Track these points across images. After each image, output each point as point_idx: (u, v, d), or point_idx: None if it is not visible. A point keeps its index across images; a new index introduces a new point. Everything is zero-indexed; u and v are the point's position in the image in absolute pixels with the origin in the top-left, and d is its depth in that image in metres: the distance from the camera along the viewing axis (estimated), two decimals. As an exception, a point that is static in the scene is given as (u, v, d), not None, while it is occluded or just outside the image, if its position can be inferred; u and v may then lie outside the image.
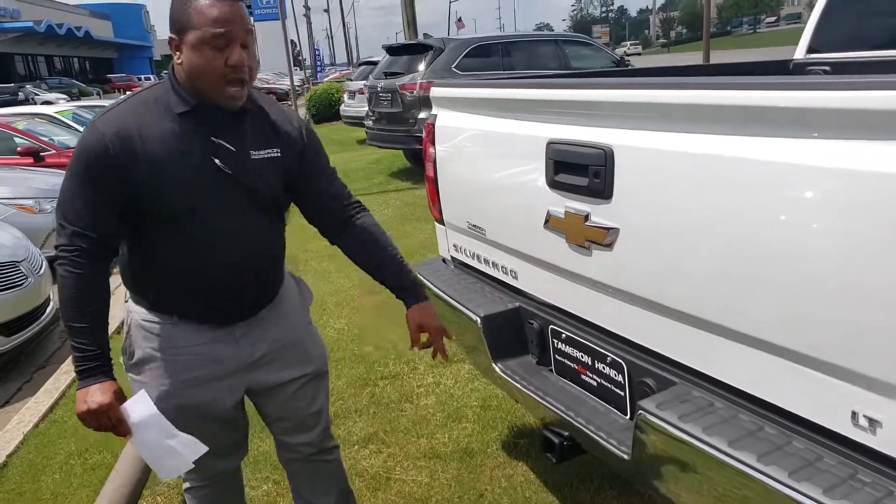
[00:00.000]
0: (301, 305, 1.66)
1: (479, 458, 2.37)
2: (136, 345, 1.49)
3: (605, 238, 1.38)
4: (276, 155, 1.45)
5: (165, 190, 1.34)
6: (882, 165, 0.92)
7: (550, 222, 1.53)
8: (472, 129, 1.87)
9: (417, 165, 8.43)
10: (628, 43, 72.95)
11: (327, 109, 15.63)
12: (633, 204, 1.33)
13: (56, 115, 8.34)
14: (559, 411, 1.57)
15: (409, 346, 1.65)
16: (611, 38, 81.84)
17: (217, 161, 1.36)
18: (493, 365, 1.80)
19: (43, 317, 3.81)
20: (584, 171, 1.40)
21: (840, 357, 1.02)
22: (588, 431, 1.47)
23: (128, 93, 1.68)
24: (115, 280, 1.62)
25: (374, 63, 10.48)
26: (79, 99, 25.12)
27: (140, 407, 1.38)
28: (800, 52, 2.75)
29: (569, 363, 1.66)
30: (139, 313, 1.48)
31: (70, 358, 2.01)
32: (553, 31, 69.47)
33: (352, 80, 12.51)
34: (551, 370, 1.74)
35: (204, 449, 1.42)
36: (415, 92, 7.38)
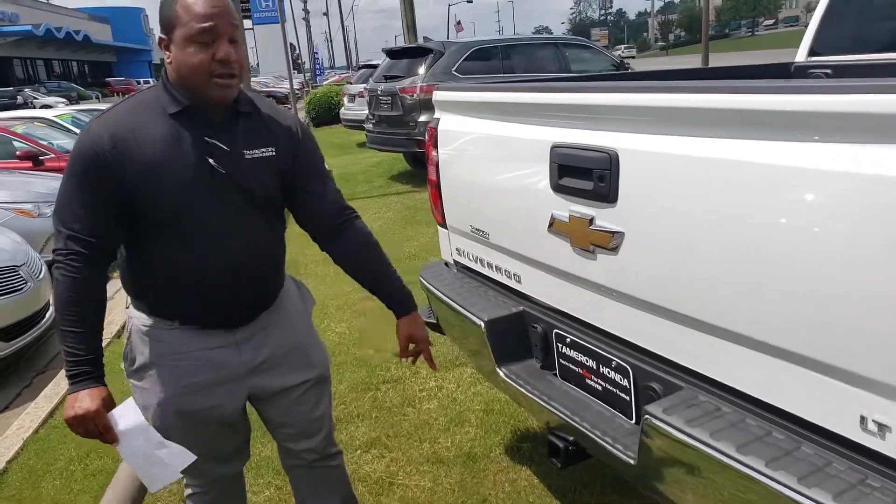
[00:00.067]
0: (302, 309, 1.65)
1: (483, 462, 2.36)
2: (136, 350, 1.48)
3: (610, 242, 1.37)
4: (270, 154, 1.45)
5: (161, 191, 1.34)
6: (884, 168, 0.92)
7: (554, 226, 1.53)
8: (475, 133, 1.87)
9: (418, 168, 8.44)
10: (622, 46, 73.09)
11: (327, 113, 15.67)
12: (639, 207, 1.32)
13: (55, 119, 8.36)
14: (564, 416, 1.56)
15: (397, 356, 1.67)
16: (609, 41, 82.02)
17: (211, 161, 1.36)
18: (497, 369, 1.79)
19: (42, 321, 3.80)
20: (588, 175, 1.39)
21: (847, 361, 1.01)
22: (593, 436, 1.47)
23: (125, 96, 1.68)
24: (115, 284, 1.62)
25: (374, 66, 10.50)
26: (78, 103, 25.11)
27: (127, 415, 1.36)
28: (801, 55, 2.75)
29: (573, 367, 1.65)
30: (140, 319, 1.47)
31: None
32: (552, 33, 69.70)
33: (351, 84, 12.53)
34: (555, 374, 1.73)
35: (192, 458, 1.40)
36: (415, 95, 7.39)
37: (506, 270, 1.87)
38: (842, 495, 0.97)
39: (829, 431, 1.07)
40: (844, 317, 1.00)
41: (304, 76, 33.86)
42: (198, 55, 1.30)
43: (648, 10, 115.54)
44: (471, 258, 2.05)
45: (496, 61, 7.77)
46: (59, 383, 3.35)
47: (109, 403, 1.35)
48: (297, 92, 19.70)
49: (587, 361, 1.60)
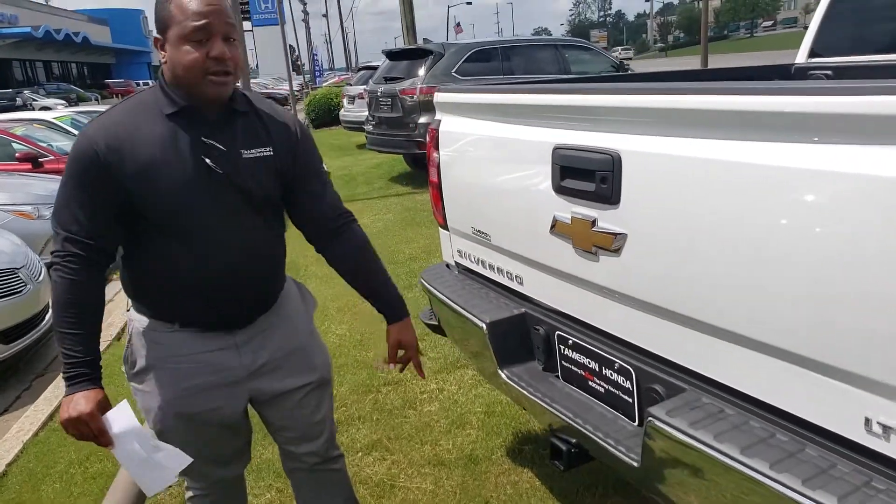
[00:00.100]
0: (304, 311, 1.65)
1: (484, 464, 2.36)
2: (137, 353, 1.47)
3: (612, 243, 1.37)
4: (268, 154, 1.44)
5: (159, 191, 1.33)
6: (885, 170, 0.92)
7: (557, 228, 1.53)
8: (477, 134, 1.87)
9: (418, 170, 8.44)
10: (619, 48, 73.12)
11: (326, 114, 15.67)
12: (642, 209, 1.32)
13: (54, 121, 8.36)
14: (567, 418, 1.56)
15: (386, 361, 1.68)
16: (608, 43, 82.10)
17: (208, 161, 1.36)
18: (499, 371, 1.79)
19: (42, 324, 3.79)
20: (591, 177, 1.39)
21: (851, 363, 1.01)
22: (596, 438, 1.46)
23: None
24: (115, 286, 1.61)
25: (374, 68, 10.51)
26: (77, 104, 25.15)
27: (121, 418, 1.35)
28: (801, 57, 2.75)
29: (576, 369, 1.65)
30: (140, 321, 1.47)
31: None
32: (551, 35, 69.72)
33: (351, 85, 12.53)
34: (558, 376, 1.73)
35: (188, 461, 1.39)
36: (415, 97, 7.39)
37: (507, 272, 1.87)
38: (846, 498, 0.97)
39: (833, 433, 1.06)
40: (847, 318, 1.00)
41: (304, 78, 33.85)
42: (192, 53, 1.30)
43: (647, 12, 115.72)
44: (472, 260, 2.04)
45: (496, 63, 7.78)
46: (59, 386, 3.34)
47: (105, 406, 1.34)
48: (296, 93, 19.70)
49: (590, 363, 1.60)
